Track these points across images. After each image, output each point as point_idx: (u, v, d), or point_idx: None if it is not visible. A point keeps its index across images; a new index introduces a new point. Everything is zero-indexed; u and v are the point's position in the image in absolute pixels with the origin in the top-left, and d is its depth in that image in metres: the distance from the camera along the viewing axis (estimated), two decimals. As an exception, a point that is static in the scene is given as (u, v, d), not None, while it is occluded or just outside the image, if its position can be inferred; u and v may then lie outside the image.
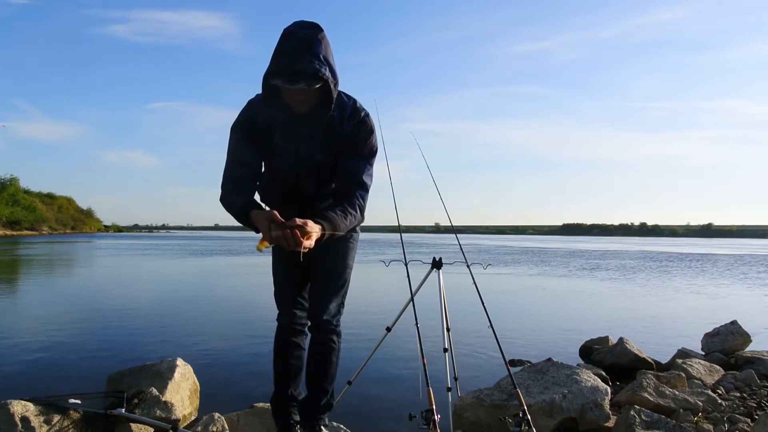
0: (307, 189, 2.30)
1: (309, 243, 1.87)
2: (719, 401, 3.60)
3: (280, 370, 2.49)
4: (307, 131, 2.18)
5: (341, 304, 2.44)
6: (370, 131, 2.24)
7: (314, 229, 1.89)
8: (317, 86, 1.97)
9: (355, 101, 2.23)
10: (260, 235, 1.95)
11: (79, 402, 2.75)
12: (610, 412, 3.16)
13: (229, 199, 2.15)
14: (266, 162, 2.32)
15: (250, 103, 2.25)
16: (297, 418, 2.49)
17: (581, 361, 5.42)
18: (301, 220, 1.86)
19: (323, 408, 2.46)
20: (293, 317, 2.44)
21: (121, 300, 9.96)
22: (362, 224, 2.41)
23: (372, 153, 2.25)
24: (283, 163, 2.26)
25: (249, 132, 2.21)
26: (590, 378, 3.32)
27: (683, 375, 3.99)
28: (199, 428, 2.87)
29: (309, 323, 2.44)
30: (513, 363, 5.07)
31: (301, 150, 2.21)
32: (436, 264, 3.36)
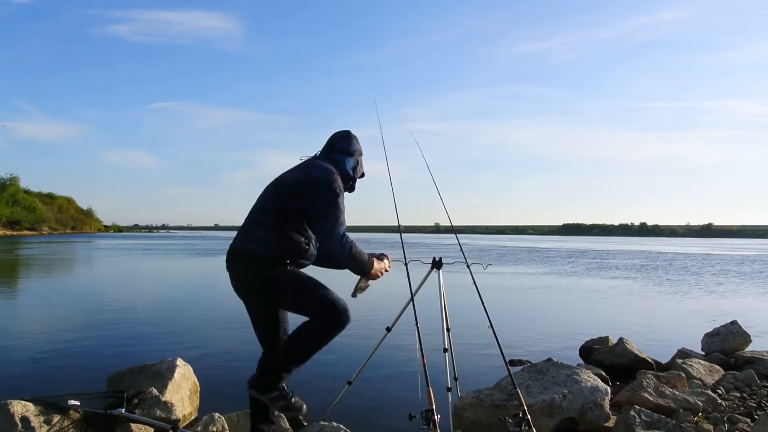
0: None
1: None
2: (719, 401, 3.60)
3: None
4: None
5: None
6: None
7: None
8: None
9: None
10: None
11: (78, 403, 2.75)
12: (610, 412, 3.16)
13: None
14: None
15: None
16: None
17: (581, 361, 5.42)
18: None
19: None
20: None
21: (121, 300, 9.96)
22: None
23: None
24: None
25: None
26: (590, 378, 3.32)
27: (683, 375, 3.99)
28: (199, 428, 2.88)
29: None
30: (513, 363, 5.06)
31: None
32: (436, 264, 3.36)
